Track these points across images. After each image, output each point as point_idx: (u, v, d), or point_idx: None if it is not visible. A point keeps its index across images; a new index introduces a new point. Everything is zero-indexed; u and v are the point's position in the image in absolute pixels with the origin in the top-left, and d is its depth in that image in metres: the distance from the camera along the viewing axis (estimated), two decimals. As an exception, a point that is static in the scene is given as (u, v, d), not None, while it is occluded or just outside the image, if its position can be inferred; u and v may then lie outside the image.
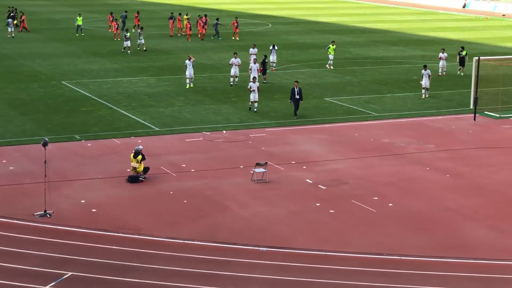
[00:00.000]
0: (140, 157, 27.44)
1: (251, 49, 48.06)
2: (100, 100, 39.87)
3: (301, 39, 66.50)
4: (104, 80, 45.46)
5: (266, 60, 44.57)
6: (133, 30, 61.53)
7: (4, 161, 28.96)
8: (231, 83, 42.89)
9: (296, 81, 37.09)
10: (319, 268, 19.51)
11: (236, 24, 65.27)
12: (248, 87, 37.87)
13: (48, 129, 33.71)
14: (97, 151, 31.18)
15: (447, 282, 18.82)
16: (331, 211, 24.48)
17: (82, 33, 64.52)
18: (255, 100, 36.98)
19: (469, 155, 31.66)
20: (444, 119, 38.15)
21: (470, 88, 39.41)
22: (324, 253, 20.78)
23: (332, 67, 49.46)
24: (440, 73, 47.02)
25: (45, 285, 17.53)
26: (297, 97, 36.01)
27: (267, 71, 44.57)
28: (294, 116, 36.24)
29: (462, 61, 47.34)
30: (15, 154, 30.29)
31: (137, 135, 33.38)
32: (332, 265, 19.81)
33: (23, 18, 69.10)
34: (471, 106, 37.88)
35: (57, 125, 34.83)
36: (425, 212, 24.64)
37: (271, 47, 49.42)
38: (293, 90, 36.17)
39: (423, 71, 40.74)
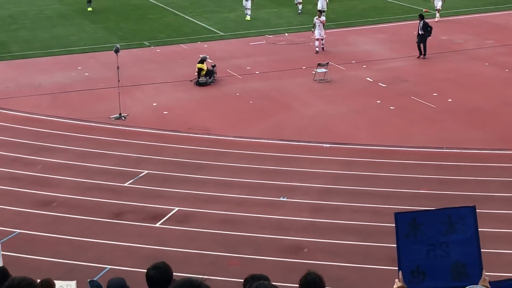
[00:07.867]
0: (204, 64, 25.08)
1: None
2: (166, 7, 37.29)
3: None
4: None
5: None
6: None
7: (79, 68, 27.14)
8: None
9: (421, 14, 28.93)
10: (380, 163, 18.35)
11: None
12: None
13: (119, 36, 31.36)
14: (165, 56, 29.07)
15: (506, 172, 17.62)
16: (391, 107, 22.78)
17: None
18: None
19: (528, 47, 29.01)
20: (503, 14, 34.81)
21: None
22: (385, 148, 19.59)
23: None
24: None
25: (124, 183, 17.04)
26: (421, 32, 27.17)
27: None
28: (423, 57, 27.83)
29: None
30: (89, 61, 28.24)
31: (203, 40, 31.13)
32: (393, 159, 18.60)
33: None
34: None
35: (127, 32, 32.52)
36: (483, 106, 22.65)
37: None
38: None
39: None
